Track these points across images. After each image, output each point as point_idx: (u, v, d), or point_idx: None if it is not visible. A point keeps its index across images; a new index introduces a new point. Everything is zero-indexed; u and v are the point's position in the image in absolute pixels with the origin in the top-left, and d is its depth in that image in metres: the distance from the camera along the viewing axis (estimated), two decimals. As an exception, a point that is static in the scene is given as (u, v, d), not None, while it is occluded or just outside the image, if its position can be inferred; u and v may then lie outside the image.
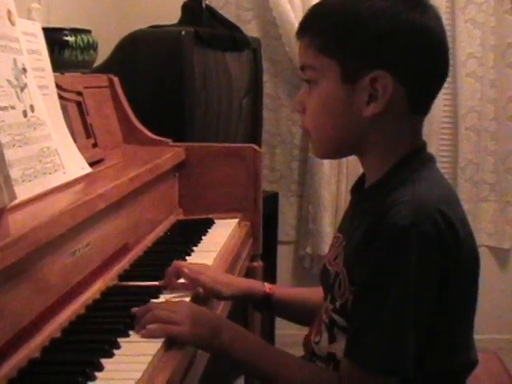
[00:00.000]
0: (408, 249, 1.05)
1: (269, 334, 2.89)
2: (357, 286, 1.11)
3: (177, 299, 1.36)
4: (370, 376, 1.08)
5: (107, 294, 1.39)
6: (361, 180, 1.27)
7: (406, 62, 1.13)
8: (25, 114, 1.35)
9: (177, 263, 1.47)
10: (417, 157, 1.18)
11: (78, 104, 1.74)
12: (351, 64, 1.14)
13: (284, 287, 1.55)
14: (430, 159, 1.20)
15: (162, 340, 1.16)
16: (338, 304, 1.17)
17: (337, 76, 1.15)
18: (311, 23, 1.20)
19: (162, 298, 1.37)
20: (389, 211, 1.08)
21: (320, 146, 1.24)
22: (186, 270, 1.42)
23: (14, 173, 1.24)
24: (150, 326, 1.18)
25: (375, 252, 1.07)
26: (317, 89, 1.18)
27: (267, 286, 1.47)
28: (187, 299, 1.37)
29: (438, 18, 1.17)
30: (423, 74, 1.15)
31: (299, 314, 1.45)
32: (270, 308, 1.47)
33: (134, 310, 1.24)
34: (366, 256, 1.09)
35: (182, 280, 1.43)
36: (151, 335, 1.17)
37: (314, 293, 1.41)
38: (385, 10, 1.13)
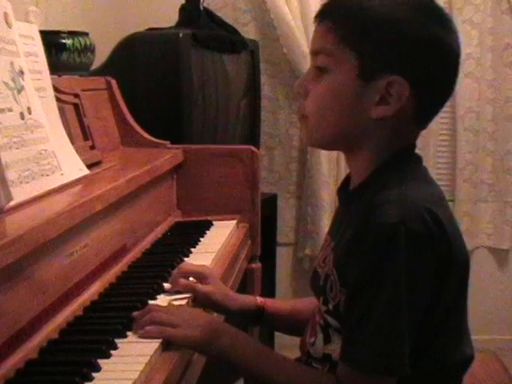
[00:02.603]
0: (397, 247, 1.04)
1: (268, 337, 2.89)
2: (348, 286, 1.11)
3: (176, 301, 1.36)
4: (368, 377, 1.08)
5: (105, 295, 1.39)
6: (347, 181, 1.26)
7: (426, 74, 1.13)
8: (22, 116, 1.36)
9: (178, 267, 1.47)
10: (403, 157, 1.17)
11: (76, 106, 1.74)
12: (372, 63, 1.12)
13: (276, 300, 1.55)
14: (417, 159, 1.20)
15: (160, 341, 1.16)
16: (330, 306, 1.17)
17: (353, 70, 1.13)
18: (336, 8, 1.17)
19: (160, 300, 1.37)
20: (376, 210, 1.07)
21: (316, 133, 1.20)
22: (184, 283, 1.41)
23: (11, 174, 1.24)
24: (148, 328, 1.18)
25: (365, 252, 1.07)
26: (328, 76, 1.15)
27: (259, 299, 1.46)
28: (185, 301, 1.37)
29: (457, 35, 1.17)
30: (438, 90, 1.16)
31: (292, 325, 1.44)
32: (264, 321, 1.47)
33: (135, 313, 1.24)
34: (355, 256, 1.08)
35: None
36: (149, 335, 1.17)
37: (306, 304, 1.41)
38: (419, 20, 1.12)
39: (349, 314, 1.11)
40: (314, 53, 1.18)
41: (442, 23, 1.15)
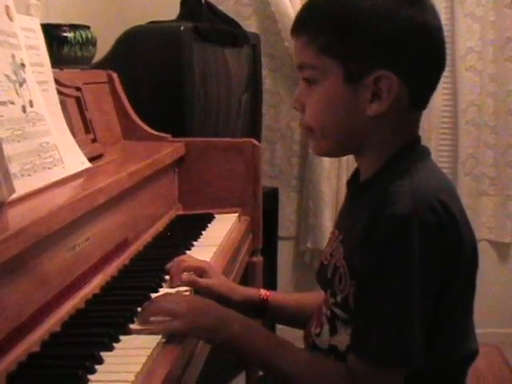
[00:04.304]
0: (410, 238, 1.04)
1: (270, 327, 2.89)
2: (359, 278, 1.11)
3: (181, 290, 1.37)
4: (383, 370, 1.07)
5: (107, 288, 1.39)
6: (356, 173, 1.26)
7: (409, 60, 1.12)
8: (24, 109, 1.36)
9: (177, 262, 1.46)
10: (412, 149, 1.17)
11: (77, 99, 1.74)
12: (355, 64, 1.12)
13: (279, 293, 1.54)
14: (425, 151, 1.20)
15: (162, 332, 1.16)
16: (338, 298, 1.16)
17: (339, 76, 1.13)
18: (309, 21, 1.17)
19: (162, 293, 1.37)
20: (388, 201, 1.07)
21: (323, 144, 1.21)
22: (184, 277, 1.41)
23: (13, 167, 1.24)
24: (152, 327, 1.18)
25: (376, 242, 1.07)
26: (317, 88, 1.16)
27: (262, 292, 1.46)
28: (187, 294, 1.37)
29: (434, 12, 1.16)
30: (425, 71, 1.15)
31: (297, 318, 1.44)
32: (267, 314, 1.46)
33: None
34: (367, 247, 1.08)
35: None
36: (153, 332, 1.16)
37: (315, 297, 1.40)
38: (386, 8, 1.11)
39: (358, 306, 1.11)
40: (299, 67, 1.19)
41: (412, 2, 1.13)
